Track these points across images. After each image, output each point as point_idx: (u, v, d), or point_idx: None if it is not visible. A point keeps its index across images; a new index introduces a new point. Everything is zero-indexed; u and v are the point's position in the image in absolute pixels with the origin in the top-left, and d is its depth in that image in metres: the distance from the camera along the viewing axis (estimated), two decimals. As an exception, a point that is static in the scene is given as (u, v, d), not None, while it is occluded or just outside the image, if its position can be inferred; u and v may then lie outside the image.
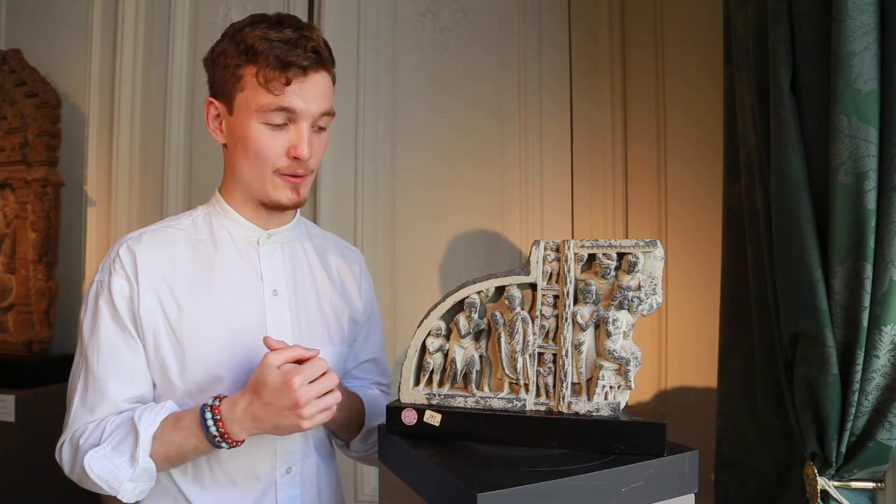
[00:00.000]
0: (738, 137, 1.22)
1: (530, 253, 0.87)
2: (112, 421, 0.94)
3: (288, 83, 0.94)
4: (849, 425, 0.95)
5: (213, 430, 0.89)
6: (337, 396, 0.91)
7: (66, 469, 0.96)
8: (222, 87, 0.99)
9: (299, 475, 1.04)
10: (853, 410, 0.94)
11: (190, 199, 2.08)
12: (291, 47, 0.93)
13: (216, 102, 1.01)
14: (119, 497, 0.92)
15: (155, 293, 0.97)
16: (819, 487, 0.99)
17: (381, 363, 1.24)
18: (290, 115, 0.96)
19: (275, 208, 1.03)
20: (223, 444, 0.91)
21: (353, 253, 1.23)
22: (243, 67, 0.96)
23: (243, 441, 0.92)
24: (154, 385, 0.99)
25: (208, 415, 0.90)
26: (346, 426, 1.09)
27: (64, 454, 0.97)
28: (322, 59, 0.97)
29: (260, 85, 0.94)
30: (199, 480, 0.98)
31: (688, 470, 0.80)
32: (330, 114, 1.01)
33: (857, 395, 0.93)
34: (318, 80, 0.97)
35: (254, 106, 0.95)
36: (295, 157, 0.97)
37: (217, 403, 0.91)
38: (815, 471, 1.00)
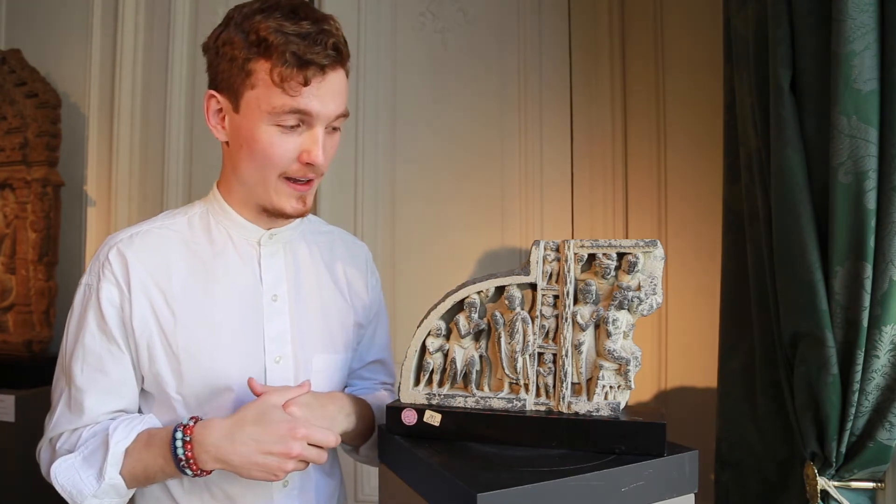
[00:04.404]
0: (739, 137, 1.22)
1: (530, 253, 0.87)
2: (89, 429, 0.91)
3: (306, 83, 0.85)
4: (849, 425, 0.95)
5: (180, 451, 0.84)
6: (322, 456, 0.88)
7: (43, 470, 0.93)
8: (227, 81, 0.89)
9: (297, 489, 1.00)
10: (853, 410, 0.94)
11: (190, 200, 2.06)
12: (311, 43, 0.84)
13: (219, 96, 0.91)
14: None
15: (148, 301, 0.91)
16: (819, 487, 0.99)
17: (388, 364, 1.20)
18: (305, 118, 0.88)
19: (277, 216, 0.96)
20: (188, 471, 0.85)
21: (360, 248, 1.17)
22: (254, 62, 0.86)
23: (209, 472, 0.86)
24: (153, 397, 0.95)
25: (179, 434, 0.84)
26: (360, 435, 1.04)
27: (42, 456, 0.94)
28: (342, 55, 0.89)
29: (275, 84, 0.85)
30: (195, 492, 0.95)
31: (688, 470, 0.80)
32: (345, 115, 0.94)
33: (857, 395, 0.93)
34: (336, 78, 0.89)
35: (265, 107, 0.86)
36: (307, 163, 0.90)
37: (191, 423, 0.86)
38: (815, 471, 1.00)
